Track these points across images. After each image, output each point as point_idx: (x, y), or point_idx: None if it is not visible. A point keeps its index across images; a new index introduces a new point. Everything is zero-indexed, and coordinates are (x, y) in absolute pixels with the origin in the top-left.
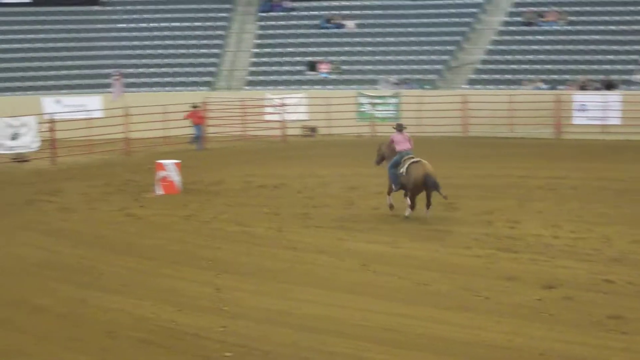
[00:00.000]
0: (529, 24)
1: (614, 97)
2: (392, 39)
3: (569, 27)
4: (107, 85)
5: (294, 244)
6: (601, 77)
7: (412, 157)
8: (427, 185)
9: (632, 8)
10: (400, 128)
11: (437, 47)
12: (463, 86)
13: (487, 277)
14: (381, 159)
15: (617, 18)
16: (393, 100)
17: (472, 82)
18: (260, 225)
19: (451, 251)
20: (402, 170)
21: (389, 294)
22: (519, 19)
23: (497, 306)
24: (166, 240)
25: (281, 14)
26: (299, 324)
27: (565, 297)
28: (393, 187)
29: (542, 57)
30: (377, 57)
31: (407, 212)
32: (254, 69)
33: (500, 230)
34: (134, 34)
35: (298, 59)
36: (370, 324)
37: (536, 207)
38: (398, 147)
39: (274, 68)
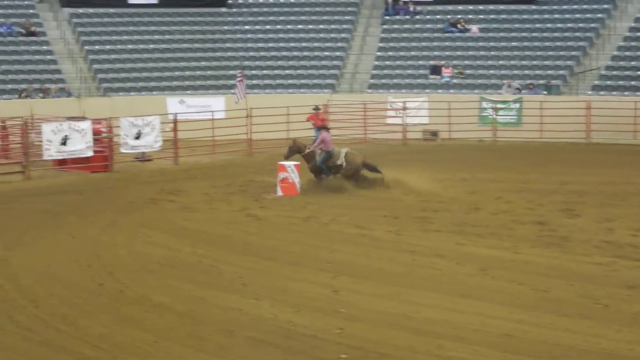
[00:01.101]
0: None
1: None
2: (515, 44)
3: None
4: (231, 87)
5: (413, 247)
6: None
7: (341, 149)
8: (368, 168)
9: None
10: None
11: (561, 53)
12: (587, 92)
13: (608, 285)
14: (292, 154)
15: None
16: (515, 106)
17: (596, 88)
18: (379, 228)
19: (571, 258)
20: (340, 161)
21: (508, 300)
22: None
23: (617, 314)
24: (285, 241)
25: (405, 17)
26: (416, 327)
27: None
28: (325, 176)
29: None
30: (501, 62)
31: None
32: (376, 72)
33: (622, 237)
34: (259, 35)
35: (421, 62)
36: (489, 330)
37: None
38: (326, 147)
39: (397, 71)
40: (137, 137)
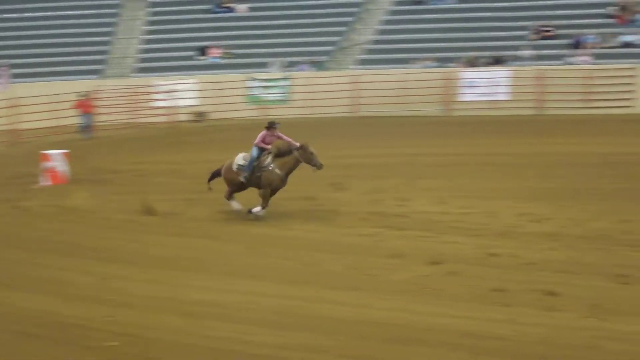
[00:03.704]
0: (419, 2)
1: (501, 73)
2: (283, 22)
3: (459, 5)
4: None
5: (181, 230)
6: (490, 53)
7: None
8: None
9: None
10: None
11: (327, 28)
12: (354, 66)
13: (375, 256)
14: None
15: None
16: (284, 83)
17: (363, 62)
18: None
19: (340, 231)
20: None
21: (277, 277)
22: None
23: (383, 284)
24: (52, 231)
25: None
26: (186, 310)
27: (451, 272)
28: None
29: (432, 35)
30: (269, 40)
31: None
32: (144, 55)
33: (389, 208)
34: (21, 23)
35: (189, 44)
36: (259, 307)
37: (426, 185)
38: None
39: (165, 54)
40: None
